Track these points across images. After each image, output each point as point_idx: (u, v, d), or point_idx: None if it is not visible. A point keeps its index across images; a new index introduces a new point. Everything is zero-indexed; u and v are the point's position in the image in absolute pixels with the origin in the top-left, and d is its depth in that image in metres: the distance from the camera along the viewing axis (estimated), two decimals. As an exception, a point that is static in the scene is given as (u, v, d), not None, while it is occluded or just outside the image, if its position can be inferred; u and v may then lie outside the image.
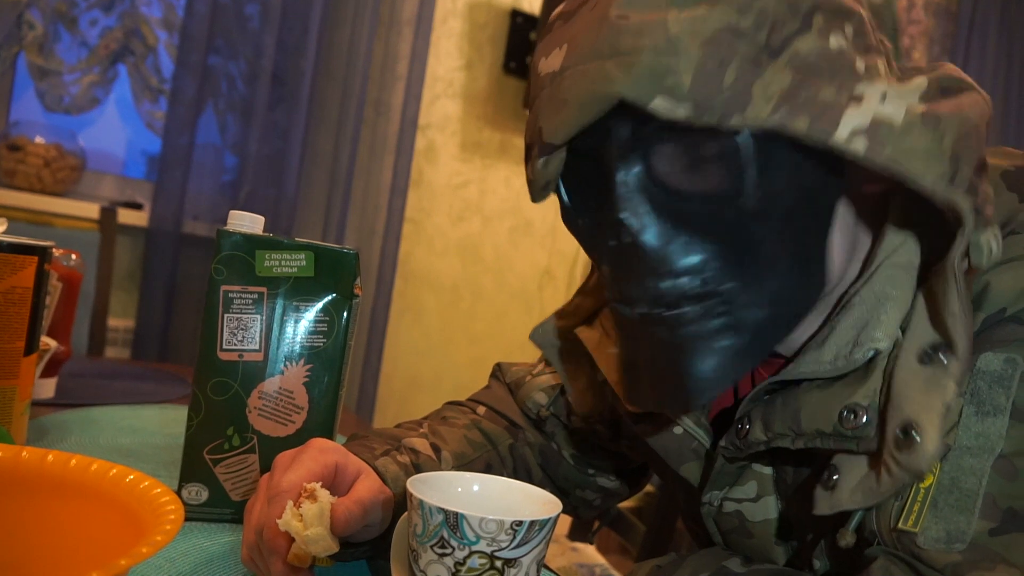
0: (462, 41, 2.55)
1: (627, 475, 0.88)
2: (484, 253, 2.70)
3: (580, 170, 0.58)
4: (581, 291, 0.81)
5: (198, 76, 2.08)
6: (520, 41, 2.58)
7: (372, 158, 2.36)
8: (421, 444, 0.70)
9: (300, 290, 0.69)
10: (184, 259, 2.16)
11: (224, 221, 2.18)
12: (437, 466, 0.70)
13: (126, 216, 2.08)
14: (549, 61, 0.54)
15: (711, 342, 0.54)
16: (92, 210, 1.98)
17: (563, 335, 0.80)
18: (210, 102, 2.15)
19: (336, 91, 2.26)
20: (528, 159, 0.57)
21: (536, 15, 2.56)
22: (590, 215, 0.58)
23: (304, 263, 0.69)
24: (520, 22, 2.57)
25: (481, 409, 0.83)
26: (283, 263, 0.69)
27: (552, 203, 2.79)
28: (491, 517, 0.47)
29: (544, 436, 0.84)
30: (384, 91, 2.35)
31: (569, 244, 2.83)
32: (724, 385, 0.55)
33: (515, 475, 0.80)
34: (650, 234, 0.53)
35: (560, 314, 0.81)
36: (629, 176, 0.53)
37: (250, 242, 0.68)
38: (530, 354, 2.82)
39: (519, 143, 2.69)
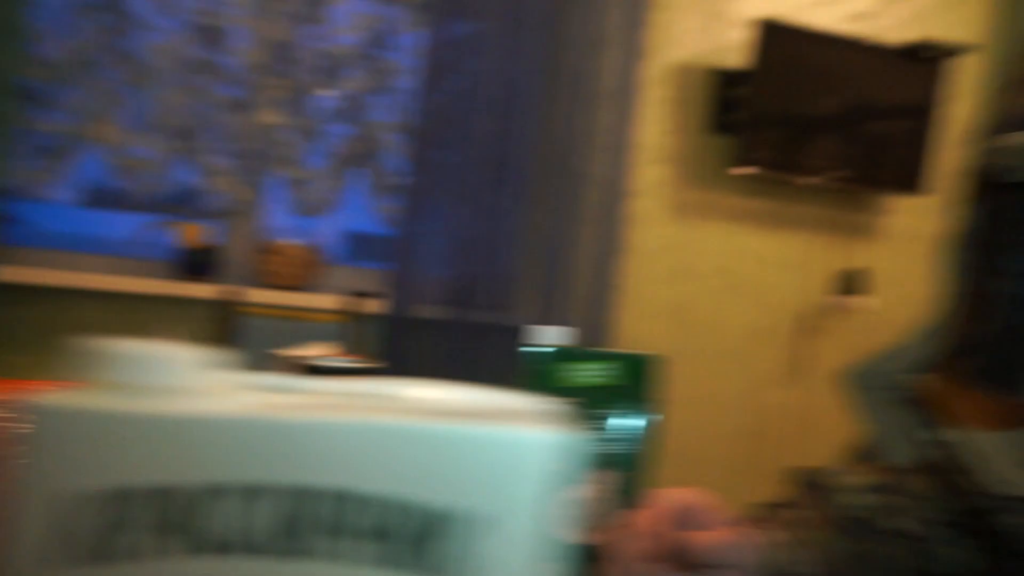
0: (666, 106, 2.55)
1: None
2: (694, 315, 2.64)
3: None
4: None
5: (427, 170, 2.23)
6: (723, 100, 2.54)
7: (583, 228, 2.39)
8: None
9: (603, 399, 0.70)
10: (418, 343, 2.29)
11: (451, 303, 2.31)
12: None
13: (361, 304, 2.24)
14: None
15: None
16: (333, 302, 2.16)
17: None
18: (436, 193, 2.28)
19: (552, 169, 2.34)
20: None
21: (738, 70, 2.52)
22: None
23: (609, 372, 0.70)
24: (721, 81, 2.54)
25: None
26: (589, 374, 0.70)
27: (760, 260, 2.68)
28: None
29: None
30: (592, 163, 2.39)
31: (778, 298, 2.71)
32: None
33: None
34: None
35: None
36: None
37: (560, 356, 0.70)
38: (745, 412, 2.71)
39: (727, 202, 2.64)
